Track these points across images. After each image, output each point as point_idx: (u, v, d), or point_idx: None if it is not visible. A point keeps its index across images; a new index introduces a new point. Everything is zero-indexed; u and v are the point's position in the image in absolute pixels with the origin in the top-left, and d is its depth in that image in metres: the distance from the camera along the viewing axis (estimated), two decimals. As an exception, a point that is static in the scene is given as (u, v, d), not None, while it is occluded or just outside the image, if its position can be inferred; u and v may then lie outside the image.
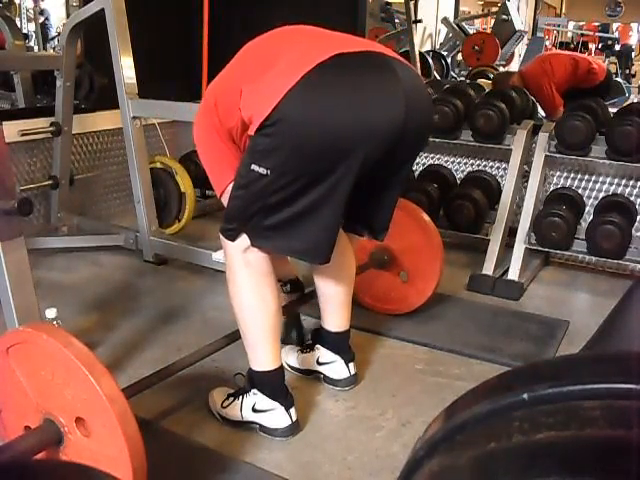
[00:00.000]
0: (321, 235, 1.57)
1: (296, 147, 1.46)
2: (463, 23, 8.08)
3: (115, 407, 1.19)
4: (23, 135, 3.06)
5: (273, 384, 1.73)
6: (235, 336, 1.87)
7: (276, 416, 1.72)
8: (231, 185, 1.62)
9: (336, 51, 1.47)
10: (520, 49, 8.78)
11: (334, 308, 1.95)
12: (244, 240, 1.61)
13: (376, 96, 1.49)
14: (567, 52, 5.56)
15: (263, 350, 1.70)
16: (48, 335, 1.26)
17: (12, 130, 2.91)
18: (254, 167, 1.49)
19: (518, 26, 7.66)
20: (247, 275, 1.66)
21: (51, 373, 1.27)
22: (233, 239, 1.63)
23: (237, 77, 1.61)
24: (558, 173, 3.19)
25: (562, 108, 4.12)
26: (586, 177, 3.14)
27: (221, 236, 1.66)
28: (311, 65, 1.43)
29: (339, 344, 1.99)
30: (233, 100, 1.57)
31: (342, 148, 1.46)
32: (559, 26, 11.39)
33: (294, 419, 1.74)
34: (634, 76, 11.15)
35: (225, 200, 1.67)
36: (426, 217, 2.40)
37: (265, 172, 1.48)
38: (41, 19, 4.68)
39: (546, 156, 2.93)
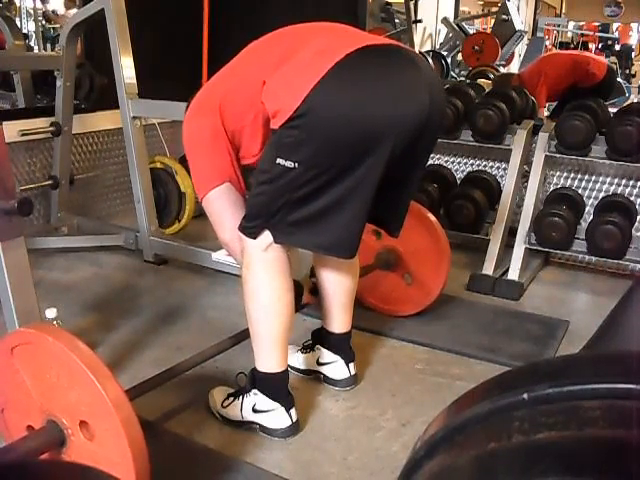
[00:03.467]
0: (349, 228, 1.54)
1: (325, 140, 1.43)
2: (463, 23, 8.07)
3: (120, 412, 1.18)
4: (23, 135, 3.06)
5: (276, 386, 1.72)
6: (238, 338, 1.86)
7: (276, 416, 1.72)
8: (213, 192, 1.61)
9: (363, 43, 1.46)
10: (520, 49, 8.77)
11: (337, 309, 1.94)
12: (266, 238, 1.58)
13: (404, 87, 1.49)
14: (568, 52, 5.56)
15: (272, 351, 1.68)
16: (54, 337, 1.25)
17: (12, 130, 2.91)
18: (280, 161, 1.46)
19: (518, 26, 7.65)
20: (265, 274, 1.63)
21: (56, 375, 1.26)
22: (254, 237, 1.59)
23: (254, 72, 1.57)
24: (558, 173, 3.19)
25: (543, 109, 4.19)
26: (586, 177, 3.14)
27: (240, 234, 1.62)
28: (339, 56, 1.42)
29: (340, 345, 1.98)
30: (249, 97, 1.54)
31: (372, 139, 1.44)
32: (559, 26, 11.37)
33: (294, 419, 1.73)
34: (634, 76, 11.16)
35: (206, 204, 1.65)
36: (433, 219, 2.37)
37: (292, 165, 1.45)
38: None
39: (546, 156, 2.93)
